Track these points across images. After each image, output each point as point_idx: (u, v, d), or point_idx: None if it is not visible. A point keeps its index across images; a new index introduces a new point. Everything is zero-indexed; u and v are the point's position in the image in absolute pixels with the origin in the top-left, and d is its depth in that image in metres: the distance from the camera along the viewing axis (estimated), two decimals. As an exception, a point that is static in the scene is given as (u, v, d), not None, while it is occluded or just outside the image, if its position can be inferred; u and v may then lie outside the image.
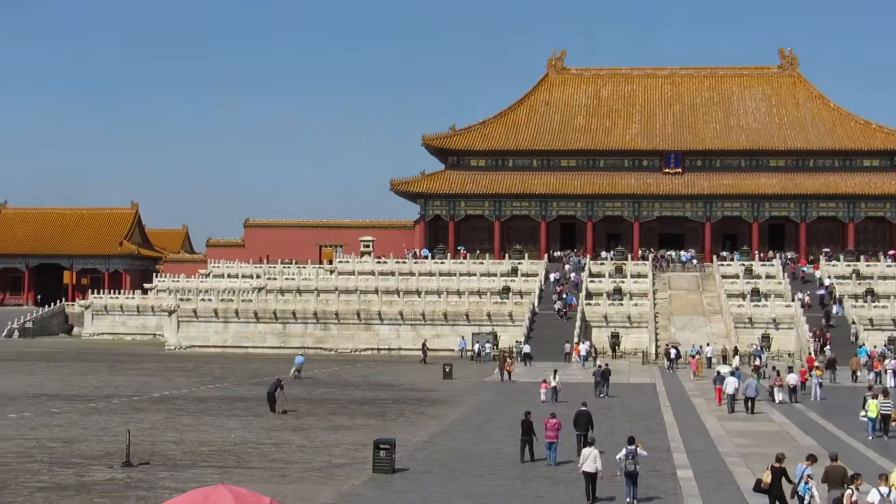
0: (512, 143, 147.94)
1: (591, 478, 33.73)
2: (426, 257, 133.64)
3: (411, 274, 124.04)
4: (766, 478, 29.56)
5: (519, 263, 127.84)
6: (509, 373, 78.65)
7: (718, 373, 66.85)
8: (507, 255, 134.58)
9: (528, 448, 41.34)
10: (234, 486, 21.52)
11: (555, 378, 65.17)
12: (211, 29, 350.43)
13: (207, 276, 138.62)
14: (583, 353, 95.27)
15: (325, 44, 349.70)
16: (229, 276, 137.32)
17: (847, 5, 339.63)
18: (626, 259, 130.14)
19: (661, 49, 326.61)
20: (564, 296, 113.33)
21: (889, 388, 62.67)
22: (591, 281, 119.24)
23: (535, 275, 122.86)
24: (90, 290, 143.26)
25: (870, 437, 48.95)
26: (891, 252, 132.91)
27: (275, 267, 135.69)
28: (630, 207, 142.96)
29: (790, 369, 69.57)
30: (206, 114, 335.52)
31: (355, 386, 73.80)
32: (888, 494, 27.43)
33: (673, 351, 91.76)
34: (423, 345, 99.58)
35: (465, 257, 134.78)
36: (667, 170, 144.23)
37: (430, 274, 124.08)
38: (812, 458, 31.15)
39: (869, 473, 33.51)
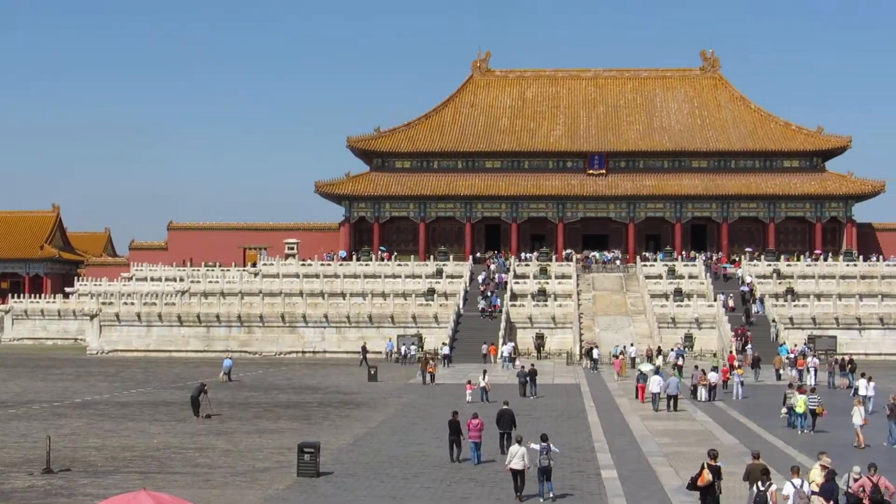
0: (437, 144, 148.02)
1: (519, 475, 34.00)
2: (343, 259, 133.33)
3: (336, 276, 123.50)
4: (707, 475, 29.28)
5: (444, 265, 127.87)
6: (432, 375, 78.14)
7: (641, 371, 67.66)
8: (432, 257, 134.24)
9: (455, 447, 41.52)
10: (156, 492, 21.37)
11: (484, 378, 65.52)
12: (131, 30, 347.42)
13: (130, 279, 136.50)
14: (504, 353, 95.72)
15: (249, 44, 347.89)
16: (152, 279, 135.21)
17: (768, 7, 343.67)
18: (551, 260, 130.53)
19: (586, 51, 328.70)
20: (489, 294, 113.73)
21: (812, 386, 63.38)
22: (516, 282, 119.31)
23: (460, 276, 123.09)
24: (10, 295, 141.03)
25: (802, 431, 50.23)
26: (818, 251, 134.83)
27: (198, 270, 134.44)
28: (554, 209, 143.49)
29: (715, 369, 70.24)
30: (129, 115, 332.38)
31: (280, 389, 73.32)
32: (801, 486, 27.98)
33: (595, 351, 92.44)
34: (363, 347, 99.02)
35: (389, 259, 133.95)
36: (591, 171, 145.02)
37: (356, 276, 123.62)
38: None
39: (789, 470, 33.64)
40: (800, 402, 51.06)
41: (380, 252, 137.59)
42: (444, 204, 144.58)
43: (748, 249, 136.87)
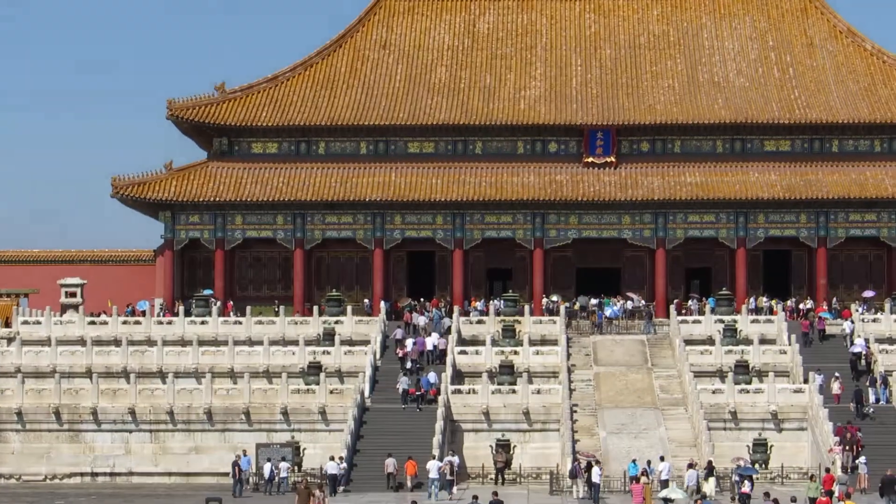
0: (324, 112, 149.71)
1: None
2: (143, 313, 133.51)
3: (151, 343, 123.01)
4: None
5: (337, 323, 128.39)
6: (318, 515, 76.75)
7: (665, 501, 68.93)
8: (316, 309, 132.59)
9: None
10: None
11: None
12: None
13: None
14: (434, 474, 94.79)
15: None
16: None
17: None
18: (522, 313, 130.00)
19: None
20: (413, 367, 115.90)
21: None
22: (463, 351, 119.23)
23: (365, 342, 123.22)
24: None
25: None
26: None
27: None
28: (528, 224, 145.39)
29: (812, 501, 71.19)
30: None
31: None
32: None
33: (597, 470, 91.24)
34: (236, 463, 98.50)
35: (233, 312, 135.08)
36: (590, 158, 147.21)
37: (184, 343, 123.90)
38: None
39: None
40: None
41: (211, 300, 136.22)
42: (336, 216, 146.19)
43: (867, 294, 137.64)
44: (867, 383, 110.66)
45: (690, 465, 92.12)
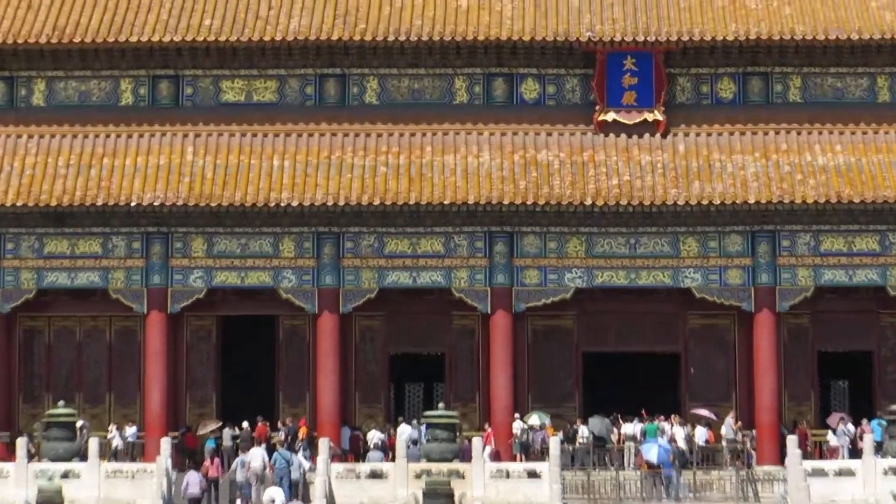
0: (47, 21, 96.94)
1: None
2: None
3: None
4: None
5: (67, 476, 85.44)
6: None
7: None
8: (24, 444, 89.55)
9: None
10: None
11: None
12: None
13: None
14: None
15: None
16: None
17: None
18: (469, 456, 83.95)
19: None
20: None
21: None
22: None
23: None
24: None
25: None
26: None
27: None
28: (478, 256, 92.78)
29: None
30: None
31: None
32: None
33: None
34: None
35: None
36: (610, 113, 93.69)
37: None
38: None
39: None
40: None
41: None
42: (67, 240, 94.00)
43: None
44: None
45: None
